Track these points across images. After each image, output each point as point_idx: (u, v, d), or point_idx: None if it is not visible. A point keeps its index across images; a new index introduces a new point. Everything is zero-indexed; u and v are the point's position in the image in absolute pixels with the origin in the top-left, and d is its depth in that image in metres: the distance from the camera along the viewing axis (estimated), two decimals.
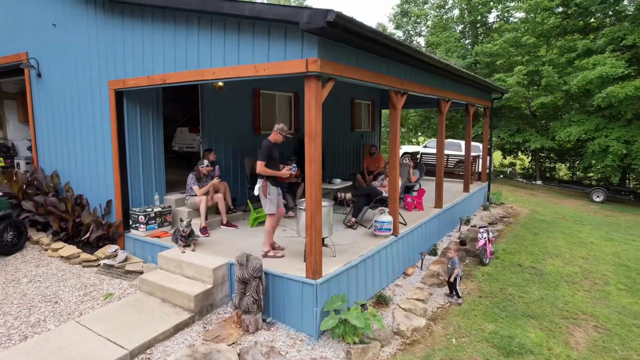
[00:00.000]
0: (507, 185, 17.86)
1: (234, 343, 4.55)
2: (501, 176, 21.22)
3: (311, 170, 4.54)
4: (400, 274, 6.53)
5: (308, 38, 4.26)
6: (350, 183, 9.09)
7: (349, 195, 7.23)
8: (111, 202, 6.58)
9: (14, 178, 7.23)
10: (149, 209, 6.40)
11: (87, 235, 6.32)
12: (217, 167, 6.85)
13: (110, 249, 6.28)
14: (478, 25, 21.98)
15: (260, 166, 5.30)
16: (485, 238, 7.36)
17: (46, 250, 6.38)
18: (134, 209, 6.39)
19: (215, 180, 6.77)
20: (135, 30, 5.88)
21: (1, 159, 9.11)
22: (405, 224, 7.05)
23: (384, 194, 6.96)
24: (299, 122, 10.09)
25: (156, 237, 6.24)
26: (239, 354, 4.32)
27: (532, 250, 8.27)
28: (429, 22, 23.64)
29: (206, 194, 6.66)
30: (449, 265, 5.93)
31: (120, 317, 4.75)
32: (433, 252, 7.53)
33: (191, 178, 6.69)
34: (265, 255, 5.38)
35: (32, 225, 7.02)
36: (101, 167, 6.65)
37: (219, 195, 6.80)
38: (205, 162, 6.77)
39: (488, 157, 12.36)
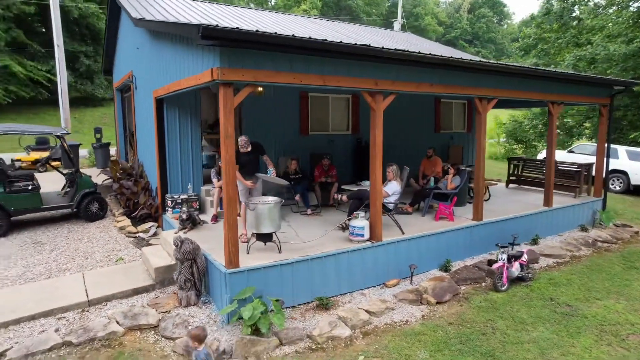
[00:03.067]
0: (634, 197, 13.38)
1: (166, 312, 5.33)
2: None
3: (226, 171, 4.92)
4: (376, 283, 6.18)
5: (212, 50, 4.69)
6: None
7: (344, 197, 7.10)
8: (156, 189, 8.17)
9: (118, 166, 9.62)
10: (176, 196, 7.70)
11: (137, 213, 8.04)
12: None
13: (147, 225, 7.85)
14: None
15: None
16: (503, 260, 6.23)
17: (113, 221, 8.39)
18: (167, 195, 7.80)
19: None
20: (166, 50, 7.23)
21: None
22: (403, 232, 6.57)
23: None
24: (358, 123, 10.14)
25: (175, 219, 7.50)
26: (159, 320, 5.11)
27: (593, 286, 6.50)
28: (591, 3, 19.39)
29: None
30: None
31: (109, 276, 6.09)
32: (444, 268, 6.75)
33: (213, 172, 7.73)
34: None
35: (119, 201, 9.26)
36: (152, 160, 8.31)
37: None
38: None
39: (604, 165, 9.82)
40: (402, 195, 7.12)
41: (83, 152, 14.93)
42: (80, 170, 8.81)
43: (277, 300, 5.04)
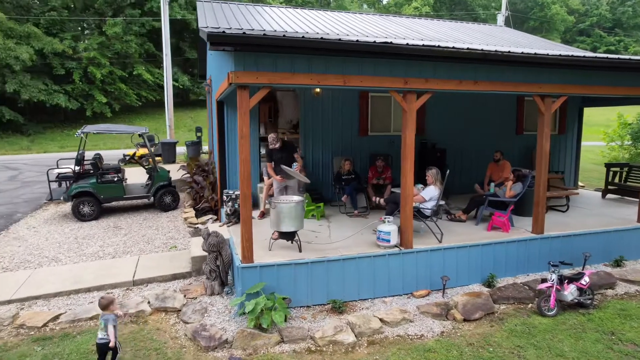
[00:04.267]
0: None
1: (193, 298, 5.80)
2: None
3: (242, 170, 5.16)
4: (403, 292, 5.87)
5: (230, 54, 4.94)
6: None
7: (382, 201, 6.81)
8: (217, 185, 8.84)
9: (196, 162, 10.65)
10: (231, 192, 8.22)
11: (199, 205, 8.81)
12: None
13: (207, 217, 8.54)
14: None
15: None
16: (553, 280, 5.44)
17: (182, 212, 9.30)
18: (224, 191, 8.40)
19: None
20: (218, 55, 7.78)
21: None
22: (440, 241, 6.14)
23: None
24: (423, 124, 9.68)
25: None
26: (183, 305, 5.58)
27: None
28: None
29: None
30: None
31: (158, 261, 6.81)
32: (487, 284, 6.12)
33: (264, 170, 8.10)
34: None
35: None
36: (216, 159, 9.01)
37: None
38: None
39: None
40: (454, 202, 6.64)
41: (181, 149, 16.73)
42: (160, 165, 9.94)
43: (284, 299, 5.13)
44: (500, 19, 21.28)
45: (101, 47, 26.72)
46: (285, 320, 5.16)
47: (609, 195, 9.78)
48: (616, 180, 9.80)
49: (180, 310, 5.48)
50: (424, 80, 5.60)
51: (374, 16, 13.43)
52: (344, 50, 5.04)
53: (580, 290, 5.60)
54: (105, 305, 4.31)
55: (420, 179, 9.24)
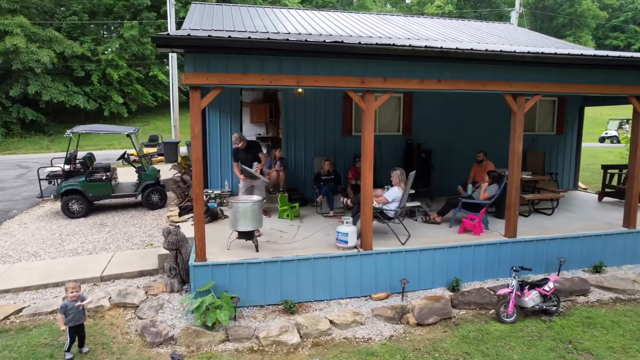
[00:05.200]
0: None
1: (154, 295, 5.89)
2: None
3: (194, 169, 5.22)
4: (361, 294, 5.80)
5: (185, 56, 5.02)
6: (412, 191, 7.97)
7: (349, 202, 6.73)
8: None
9: (187, 161, 10.81)
10: (210, 191, 8.35)
11: (182, 204, 8.95)
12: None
13: (188, 216, 8.65)
14: None
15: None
16: (512, 286, 5.26)
17: (168, 211, 9.47)
18: (204, 190, 8.50)
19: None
20: None
21: None
22: (404, 243, 6.03)
23: (375, 205, 6.19)
24: (410, 124, 9.54)
25: None
26: (141, 301, 5.69)
27: None
28: None
29: None
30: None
31: (130, 258, 6.96)
32: (452, 288, 5.97)
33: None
34: None
35: None
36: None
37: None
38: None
39: None
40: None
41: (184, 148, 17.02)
42: (162, 164, 10.14)
43: (232, 297, 5.16)
44: (514, 16, 20.69)
45: (119, 50, 27.55)
46: (235, 319, 5.22)
47: (606, 198, 9.36)
48: (614, 182, 9.38)
49: (138, 307, 5.59)
50: (383, 80, 5.51)
51: (371, 15, 13.28)
52: (295, 50, 5.04)
53: (544, 297, 5.39)
54: (70, 289, 4.51)
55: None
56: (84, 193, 8.99)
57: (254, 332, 4.95)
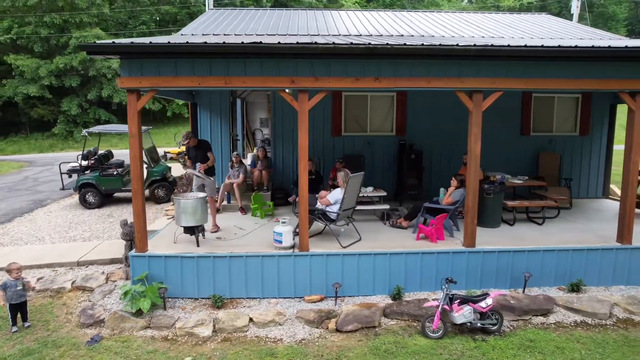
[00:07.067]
0: None
1: (114, 281, 6.40)
2: None
3: (133, 167, 5.58)
4: (295, 296, 5.76)
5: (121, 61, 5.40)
6: (384, 193, 7.62)
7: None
8: None
9: None
10: None
11: None
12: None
13: None
14: None
15: None
16: (440, 300, 4.91)
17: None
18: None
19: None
20: None
21: None
22: (343, 247, 5.89)
23: (318, 205, 6.11)
24: (404, 124, 9.18)
25: None
26: (98, 286, 6.22)
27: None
28: None
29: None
30: None
31: (111, 246, 7.59)
32: (394, 296, 5.70)
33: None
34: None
35: None
36: None
37: (235, 184, 8.22)
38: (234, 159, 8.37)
39: None
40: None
41: None
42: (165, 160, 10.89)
43: (159, 288, 5.44)
44: (575, 4, 18.72)
45: None
46: (165, 309, 5.49)
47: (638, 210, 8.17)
48: None
49: (93, 290, 6.12)
50: (314, 79, 5.43)
51: (384, 12, 12.87)
52: (219, 53, 5.18)
53: (482, 314, 4.94)
54: (8, 271, 5.11)
55: (402, 179, 8.83)
56: (96, 186, 9.95)
57: (174, 322, 5.19)
